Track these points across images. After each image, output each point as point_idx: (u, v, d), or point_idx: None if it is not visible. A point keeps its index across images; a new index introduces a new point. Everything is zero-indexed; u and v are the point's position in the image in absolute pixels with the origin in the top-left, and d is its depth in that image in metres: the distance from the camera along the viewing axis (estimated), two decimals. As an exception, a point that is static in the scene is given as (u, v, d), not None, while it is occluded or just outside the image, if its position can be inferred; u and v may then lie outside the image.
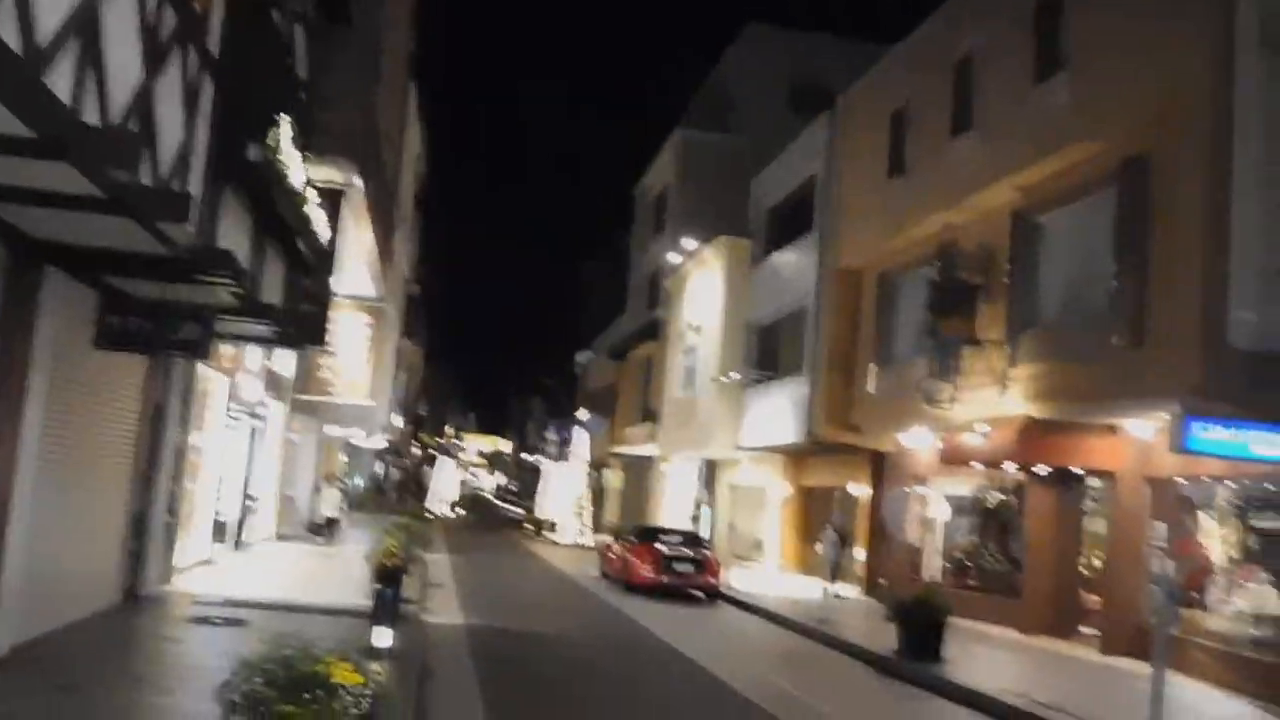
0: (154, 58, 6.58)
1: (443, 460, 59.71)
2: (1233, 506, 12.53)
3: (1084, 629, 15.20)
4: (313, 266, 11.86)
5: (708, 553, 19.44)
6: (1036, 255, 14.51)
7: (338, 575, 16.76)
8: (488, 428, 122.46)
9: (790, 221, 24.15)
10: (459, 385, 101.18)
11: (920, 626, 12.07)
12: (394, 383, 30.68)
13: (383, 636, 8.91)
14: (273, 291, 11.56)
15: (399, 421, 38.36)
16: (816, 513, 25.10)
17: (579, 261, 63.89)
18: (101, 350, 8.07)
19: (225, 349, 15.36)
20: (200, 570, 15.15)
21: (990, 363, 14.72)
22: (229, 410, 16.76)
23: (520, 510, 65.51)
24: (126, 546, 10.68)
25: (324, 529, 21.39)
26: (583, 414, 35.97)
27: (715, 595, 18.38)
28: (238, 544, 18.32)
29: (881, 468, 20.39)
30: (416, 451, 74.89)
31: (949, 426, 16.05)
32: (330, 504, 21.88)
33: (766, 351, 25.20)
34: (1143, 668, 12.63)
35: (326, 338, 13.52)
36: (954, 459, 15.76)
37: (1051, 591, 15.41)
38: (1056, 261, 14.21)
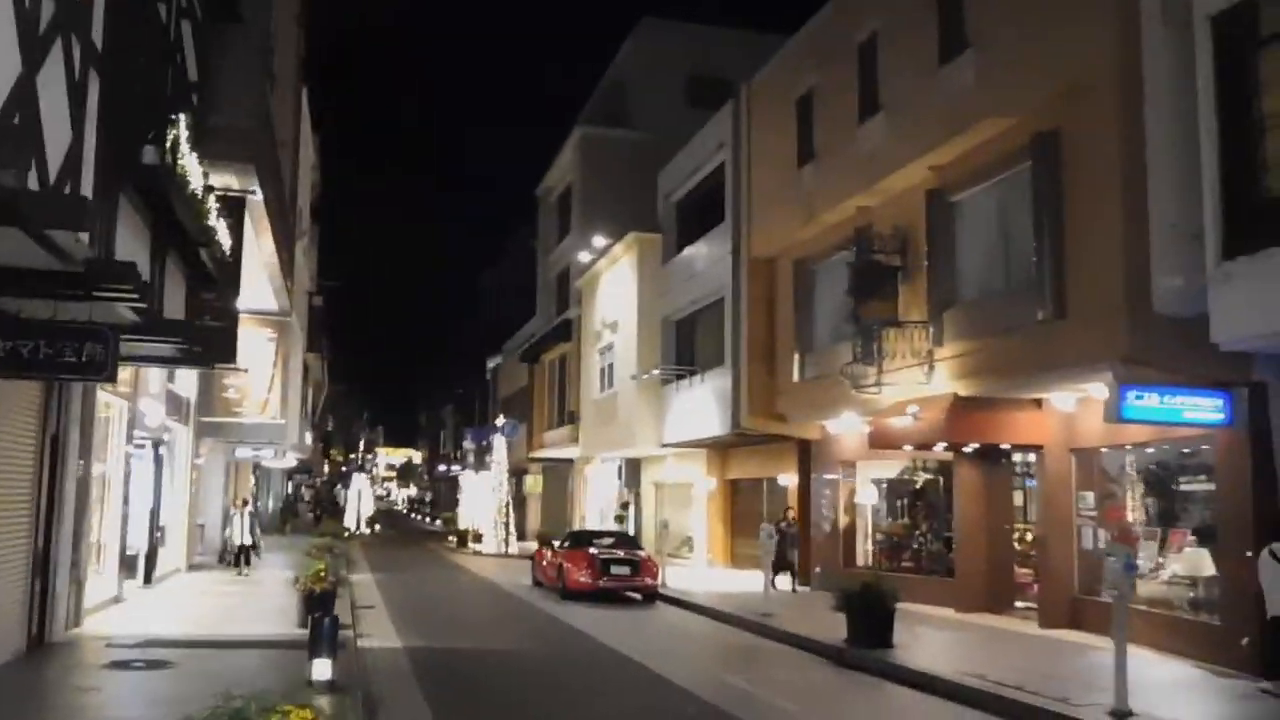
0: (32, 48, 5.94)
1: (355, 476, 57.95)
2: (1157, 472, 12.90)
3: (1019, 603, 15.51)
4: (217, 279, 11.11)
5: (643, 553, 19.19)
6: (953, 234, 14.71)
7: (260, 604, 15.92)
8: (397, 440, 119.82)
9: (699, 214, 24.10)
10: (365, 399, 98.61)
11: (869, 615, 12.04)
12: (302, 399, 29.51)
13: (323, 668, 8.34)
14: (175, 307, 10.82)
15: (309, 438, 36.96)
16: (744, 506, 25.17)
17: (481, 267, 62.90)
18: (-12, 376, 7.32)
19: (123, 371, 14.39)
20: (112, 609, 14.19)
21: (914, 344, 14.86)
22: (131, 437, 15.77)
23: (438, 522, 64.27)
24: (29, 588, 9.81)
25: (239, 557, 20.23)
26: (500, 420, 35.27)
27: (653, 596, 18.13)
28: (148, 578, 17.27)
29: (808, 456, 20.48)
30: (326, 469, 72.67)
31: (875, 410, 16.18)
32: (242, 530, 20.61)
33: (684, 346, 25.12)
34: (1083, 638, 12.97)
35: (236, 354, 12.68)
36: (883, 442, 15.87)
37: (985, 569, 15.66)
38: (974, 239, 14.42)
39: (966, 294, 14.42)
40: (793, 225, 18.54)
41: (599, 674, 11.11)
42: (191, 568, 21.22)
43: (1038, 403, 14.37)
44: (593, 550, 18.53)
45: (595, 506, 37.37)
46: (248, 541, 20.18)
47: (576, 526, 38.32)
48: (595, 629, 14.31)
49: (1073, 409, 13.80)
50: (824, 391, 17.81)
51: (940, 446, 15.26)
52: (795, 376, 18.67)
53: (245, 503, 21.00)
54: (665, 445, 25.33)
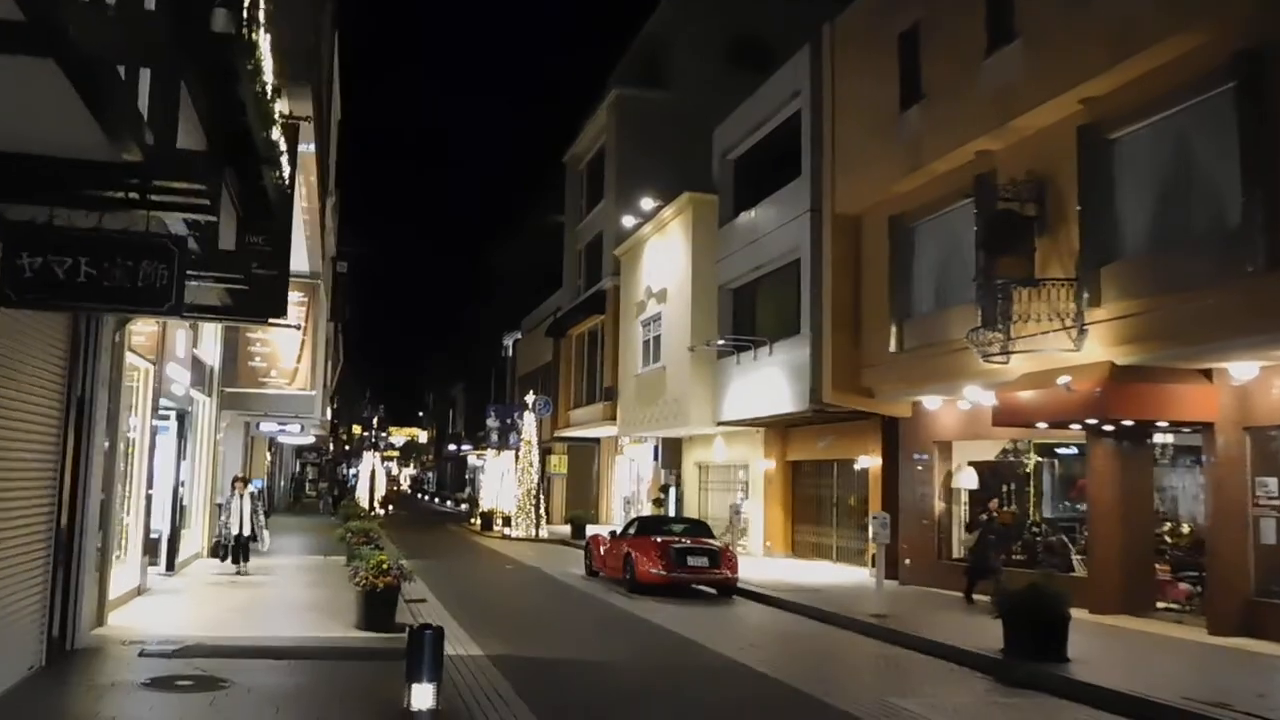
0: None
1: (366, 455, 56.10)
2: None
3: (1160, 604, 13.71)
4: (274, 212, 9.17)
5: (719, 543, 17.34)
6: (1112, 176, 12.75)
7: (299, 595, 14.10)
8: (397, 420, 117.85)
9: (765, 171, 22.12)
10: (368, 376, 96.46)
11: (1035, 621, 10.18)
12: (323, 371, 27.58)
13: (425, 696, 6.46)
14: (225, 245, 8.90)
15: (328, 414, 35.07)
16: (807, 490, 23.32)
17: (495, 242, 60.80)
18: (9, 311, 5.40)
19: (147, 325, 12.51)
20: (136, 603, 12.38)
21: (1055, 305, 12.94)
22: (156, 406, 13.92)
23: (449, 503, 62.51)
24: (50, 580, 7.95)
25: (235, 551, 16.42)
26: (530, 396, 33.34)
27: (731, 590, 16.29)
28: (171, 565, 15.44)
29: (895, 436, 18.60)
30: (331, 447, 70.83)
31: (997, 382, 14.29)
32: (241, 518, 16.54)
33: (743, 316, 23.20)
34: (1264, 647, 11.18)
35: (287, 308, 10.76)
36: (1012, 419, 13.99)
37: (1123, 565, 13.75)
38: (1141, 181, 12.45)
39: (1132, 246, 12.48)
40: (890, 176, 16.56)
41: (736, 693, 9.25)
42: (213, 552, 19.38)
43: (1207, 374, 12.48)
44: (665, 538, 16.67)
45: (625, 488, 35.61)
46: (246, 531, 16.44)
47: (604, 509, 36.71)
48: (692, 631, 12.45)
49: (1251, 381, 11.93)
50: (924, 363, 15.91)
51: (1079, 424, 13.39)
52: (891, 346, 16.74)
53: (245, 482, 17.20)
54: (722, 423, 23.43)
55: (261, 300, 9.99)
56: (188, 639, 9.80)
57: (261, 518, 17.05)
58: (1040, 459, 16.32)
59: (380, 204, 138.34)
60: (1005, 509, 16.99)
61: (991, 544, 13.92)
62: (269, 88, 6.87)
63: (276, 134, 7.70)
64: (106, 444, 9.05)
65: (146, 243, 5.10)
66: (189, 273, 7.02)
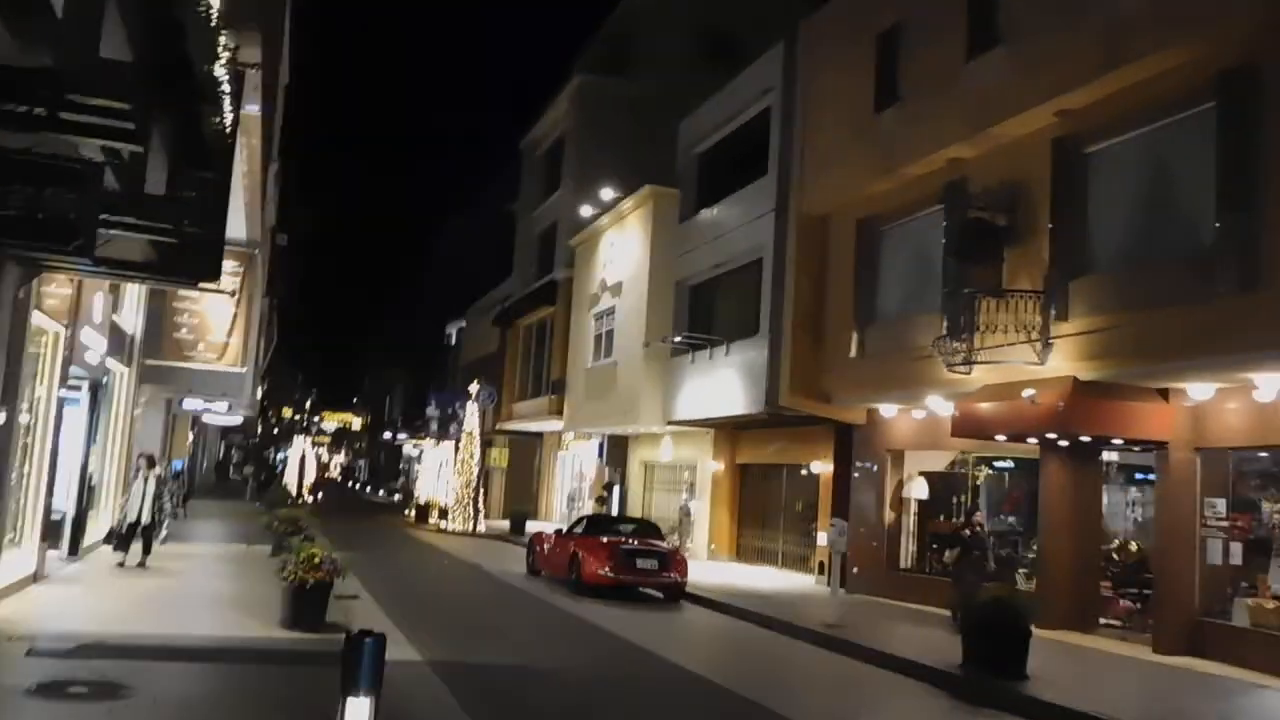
0: None
1: (296, 439, 54.43)
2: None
3: (1103, 620, 13.55)
4: (211, 160, 8.36)
5: (669, 545, 16.79)
6: (1085, 190, 12.49)
7: (220, 585, 13.16)
8: (330, 404, 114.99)
9: (730, 168, 21.64)
10: (300, 357, 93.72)
11: (996, 636, 9.82)
12: (255, 349, 26.36)
13: (360, 711, 5.72)
14: (154, 189, 8.04)
15: (259, 394, 33.71)
16: (756, 494, 22.92)
17: (442, 225, 59.56)
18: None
19: (60, 287, 11.50)
20: (31, 592, 11.35)
21: (1020, 317, 12.64)
22: (66, 375, 12.85)
23: (381, 493, 61.05)
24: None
25: (126, 539, 14.18)
26: (474, 385, 32.43)
27: (679, 595, 15.74)
28: (75, 549, 14.33)
29: (848, 442, 18.25)
30: (259, 430, 68.75)
31: (957, 393, 13.98)
32: (142, 502, 14.24)
33: (700, 314, 22.70)
34: (1213, 667, 11.07)
35: (220, 271, 9.87)
36: (971, 430, 13.67)
37: (1071, 581, 13.58)
38: (1115, 196, 12.22)
39: (1102, 261, 12.23)
40: (860, 178, 16.18)
41: (691, 705, 8.71)
42: (107, 538, 18.19)
43: (1163, 393, 12.30)
44: (613, 538, 16.05)
45: (567, 484, 34.92)
46: (146, 519, 14.18)
47: (544, 506, 35.96)
48: (642, 637, 11.86)
49: (1206, 402, 11.77)
50: (885, 369, 15.56)
51: (1036, 438, 13.13)
52: (853, 351, 16.36)
53: (151, 462, 14.78)
54: (674, 423, 22.88)
55: (192, 260, 9.13)
56: (86, 635, 8.89)
57: (167, 504, 15.24)
58: (994, 472, 16.09)
59: (323, 181, 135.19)
60: (952, 520, 16.77)
61: (974, 561, 13.30)
62: (214, 13, 6.10)
63: (220, 70, 6.93)
64: (2, 414, 8.12)
65: (52, 167, 4.30)
66: (107, 217, 6.22)
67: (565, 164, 33.10)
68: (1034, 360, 12.39)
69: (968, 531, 13.18)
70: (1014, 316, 12.70)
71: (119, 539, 14.38)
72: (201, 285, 10.31)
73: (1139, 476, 14.49)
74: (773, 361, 18.26)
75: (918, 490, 16.99)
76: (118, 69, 4.31)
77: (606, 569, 15.26)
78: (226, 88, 7.49)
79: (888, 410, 16.72)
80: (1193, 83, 10.80)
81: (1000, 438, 13.43)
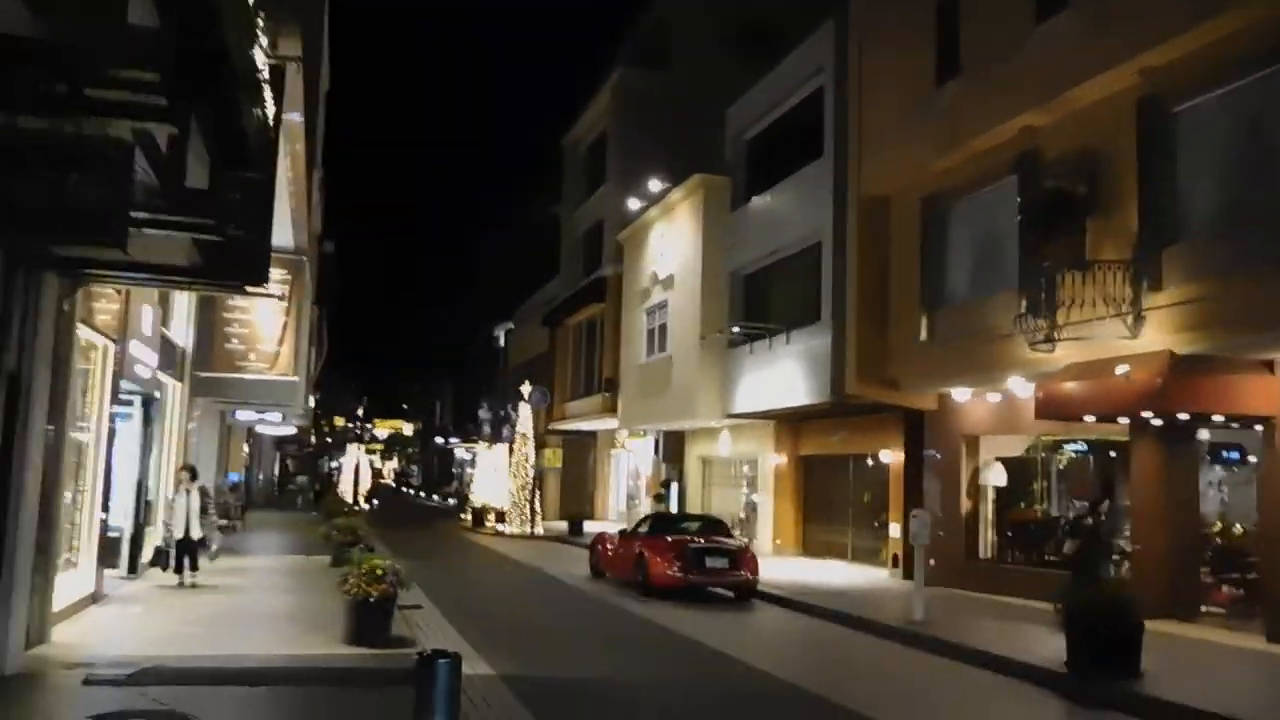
0: None
1: (350, 447, 54.72)
2: None
3: (1204, 608, 12.69)
4: (251, 159, 7.94)
5: (738, 542, 16.19)
6: (1175, 151, 11.64)
7: (280, 599, 12.86)
8: (381, 412, 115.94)
9: (782, 152, 20.97)
10: (352, 366, 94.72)
11: (1105, 634, 9.07)
12: (307, 358, 26.27)
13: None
14: (195, 182, 7.64)
15: (311, 403, 33.73)
16: (820, 486, 22.22)
17: (487, 231, 59.42)
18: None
19: (110, 302, 11.24)
20: (89, 614, 11.07)
21: (1109, 289, 11.81)
22: (118, 391, 12.61)
23: (435, 498, 61.23)
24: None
25: (178, 558, 13.44)
26: (525, 387, 32.09)
27: (750, 594, 15.13)
28: (133, 567, 14.10)
29: (919, 430, 17.48)
30: (312, 439, 69.40)
31: (1040, 373, 13.18)
32: (187, 517, 13.47)
33: (755, 304, 22.06)
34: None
35: (268, 274, 9.50)
36: (1057, 411, 12.86)
37: (1169, 568, 12.73)
38: (1209, 157, 11.36)
39: (1196, 227, 11.38)
40: (923, 155, 15.41)
41: (790, 717, 8.11)
42: (154, 560, 18.01)
43: (1269, 365, 11.42)
44: (680, 537, 15.50)
45: (623, 483, 34.47)
46: (195, 534, 13.46)
47: (601, 506, 35.54)
48: (721, 642, 11.26)
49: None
50: (957, 352, 14.79)
51: (1129, 418, 12.31)
52: (921, 335, 15.61)
53: (194, 475, 14.04)
54: (733, 416, 22.26)
55: (239, 263, 8.74)
56: (145, 660, 8.53)
57: (215, 517, 14.35)
58: (1078, 455, 15.25)
59: (367, 189, 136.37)
60: (1035, 507, 15.96)
61: (1099, 553, 12.19)
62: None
63: (259, 57, 6.48)
64: (51, 430, 7.79)
65: (76, 151, 3.85)
66: (144, 215, 5.80)
67: (608, 160, 32.66)
68: (1125, 334, 11.57)
69: (1090, 520, 12.15)
70: (1100, 289, 11.88)
71: (167, 558, 13.75)
72: (249, 289, 9.93)
73: (1225, 455, 13.64)
74: (836, 349, 17.56)
75: (995, 477, 16.19)
76: (145, 37, 3.88)
77: (675, 569, 14.70)
78: (266, 75, 7.06)
79: (960, 395, 15.93)
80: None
81: (1089, 418, 12.60)
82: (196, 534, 13.48)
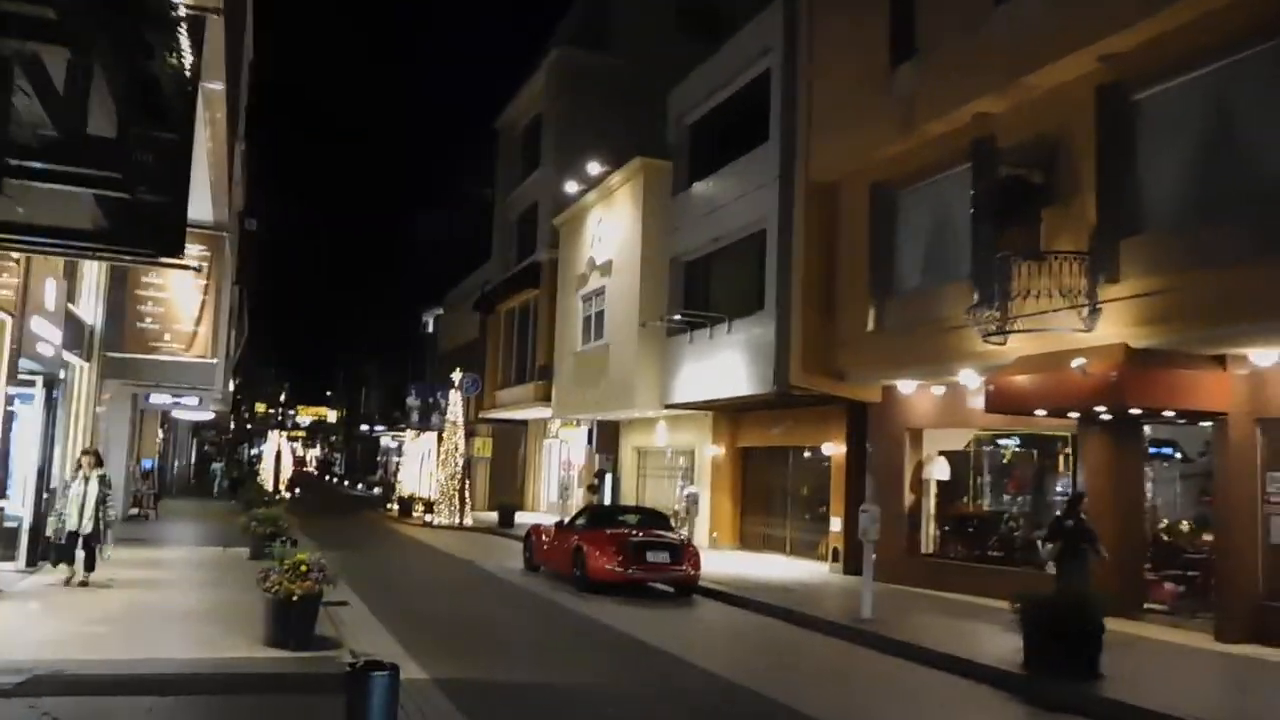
0: None
1: (271, 434, 52.86)
2: None
3: (1146, 605, 12.68)
4: (167, 115, 7.15)
5: (679, 536, 15.75)
6: (1134, 141, 11.52)
7: (191, 593, 11.96)
8: (307, 398, 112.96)
9: (726, 137, 20.56)
10: (272, 351, 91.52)
11: (1066, 633, 8.86)
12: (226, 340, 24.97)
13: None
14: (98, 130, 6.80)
15: (231, 387, 32.25)
16: (758, 478, 21.95)
17: (414, 212, 57.96)
18: None
19: (7, 264, 10.27)
20: None
21: (1064, 281, 11.66)
22: (15, 370, 11.62)
23: (360, 486, 59.58)
24: None
25: (68, 550, 11.81)
26: (456, 374, 31.16)
27: (690, 589, 14.71)
28: (33, 560, 13.04)
29: (862, 421, 17.27)
30: (232, 425, 66.97)
31: (990, 365, 13.01)
32: (83, 508, 11.66)
33: (697, 292, 21.63)
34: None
35: (183, 246, 8.63)
36: (1007, 404, 12.71)
37: (1114, 564, 12.64)
38: (1167, 147, 11.24)
39: (1156, 218, 11.26)
40: (875, 140, 15.12)
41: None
42: (42, 554, 16.85)
43: (1219, 360, 11.39)
44: (620, 530, 14.99)
45: (555, 474, 33.83)
46: (86, 528, 11.65)
47: (531, 496, 34.83)
48: (665, 641, 10.80)
49: (1268, 369, 10.89)
50: (906, 343, 14.56)
51: (1079, 412, 12.20)
52: (869, 325, 15.35)
53: (98, 461, 12.19)
54: (671, 406, 21.82)
55: (151, 230, 7.90)
56: (40, 664, 7.69)
57: (112, 511, 12.35)
58: (1021, 449, 15.19)
59: (290, 167, 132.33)
60: (977, 502, 15.90)
61: (1085, 552, 11.37)
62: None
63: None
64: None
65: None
66: (37, 165, 5.02)
67: (544, 142, 31.88)
68: (1080, 327, 11.42)
69: (1070, 521, 11.36)
70: (1055, 281, 11.71)
71: (56, 551, 11.96)
72: (163, 261, 9.05)
73: (1159, 451, 13.66)
74: (781, 339, 17.22)
75: (939, 471, 16.07)
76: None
77: (615, 564, 14.20)
78: (183, 16, 6.29)
79: (906, 387, 15.75)
80: (1257, 17, 9.82)
81: (1040, 412, 12.47)
82: (88, 528, 11.63)
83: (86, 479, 11.80)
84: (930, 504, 16.27)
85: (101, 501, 11.74)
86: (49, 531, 11.97)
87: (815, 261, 16.65)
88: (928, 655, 10.09)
